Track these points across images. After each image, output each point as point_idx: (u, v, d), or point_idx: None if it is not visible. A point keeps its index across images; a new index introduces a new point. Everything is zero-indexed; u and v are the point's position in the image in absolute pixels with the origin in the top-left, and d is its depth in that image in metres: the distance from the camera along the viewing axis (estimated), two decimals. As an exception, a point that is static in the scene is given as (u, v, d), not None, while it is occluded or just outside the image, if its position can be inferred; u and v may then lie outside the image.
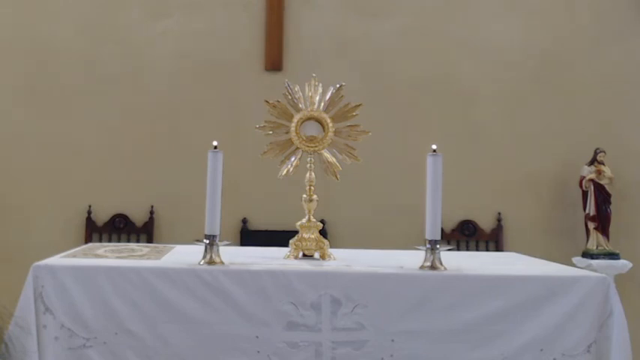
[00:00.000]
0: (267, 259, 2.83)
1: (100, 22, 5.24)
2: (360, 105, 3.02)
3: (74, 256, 2.87)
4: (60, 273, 2.57)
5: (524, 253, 3.48)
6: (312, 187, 2.96)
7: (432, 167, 2.71)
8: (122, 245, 3.42)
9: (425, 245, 2.71)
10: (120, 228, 5.15)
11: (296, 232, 2.96)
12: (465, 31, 5.28)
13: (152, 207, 5.16)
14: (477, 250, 5.18)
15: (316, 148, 2.96)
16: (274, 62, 5.20)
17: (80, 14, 5.24)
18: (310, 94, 3.00)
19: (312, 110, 2.98)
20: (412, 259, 2.78)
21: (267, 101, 3.00)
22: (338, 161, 2.98)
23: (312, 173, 2.96)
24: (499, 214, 5.20)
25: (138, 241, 5.01)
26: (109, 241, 5.04)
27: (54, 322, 2.53)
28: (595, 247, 4.94)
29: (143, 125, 5.18)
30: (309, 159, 2.96)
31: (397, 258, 2.97)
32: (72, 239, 4.85)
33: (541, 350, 2.56)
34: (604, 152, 4.99)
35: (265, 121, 2.98)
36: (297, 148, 2.97)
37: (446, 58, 5.26)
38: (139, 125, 5.18)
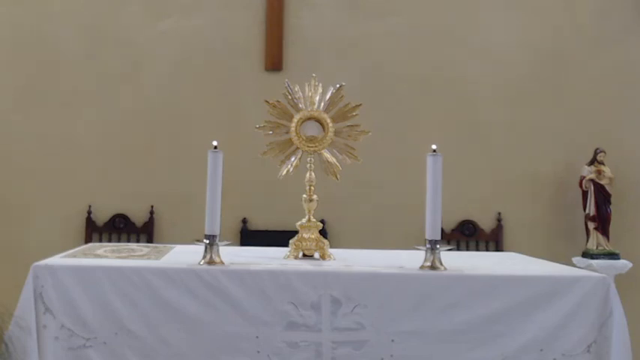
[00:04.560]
0: (267, 259, 2.83)
1: (100, 22, 5.24)
2: (360, 105, 3.02)
3: (74, 256, 2.87)
4: (60, 273, 2.57)
5: (524, 253, 3.48)
6: (312, 187, 2.96)
7: (432, 167, 2.71)
8: (122, 245, 3.42)
9: (425, 245, 2.71)
10: (120, 228, 5.15)
11: (296, 232, 2.96)
12: (465, 30, 5.29)
13: (152, 207, 5.16)
14: (477, 250, 5.18)
15: (316, 148, 2.96)
16: (274, 62, 5.20)
17: (80, 14, 5.24)
18: (310, 94, 3.00)
19: (312, 110, 2.98)
20: (412, 259, 2.78)
21: (267, 101, 3.00)
22: (338, 161, 2.98)
23: (312, 173, 2.96)
24: (499, 214, 5.21)
25: (138, 241, 5.01)
26: (109, 241, 5.04)
27: (54, 322, 2.53)
28: (595, 247, 4.94)
29: (143, 125, 5.18)
30: (309, 159, 2.96)
31: (397, 258, 2.97)
32: (72, 239, 4.85)
33: (541, 350, 2.56)
34: (604, 152, 4.99)
35: (265, 121, 2.98)
36: (297, 148, 2.96)
37: (446, 58, 5.26)
38: (139, 125, 5.18)
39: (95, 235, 5.13)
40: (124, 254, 2.93)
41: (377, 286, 2.60)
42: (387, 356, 2.56)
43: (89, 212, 5.14)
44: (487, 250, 5.17)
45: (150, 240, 5.04)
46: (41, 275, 2.55)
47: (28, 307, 2.51)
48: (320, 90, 3.00)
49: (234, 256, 2.82)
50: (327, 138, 2.97)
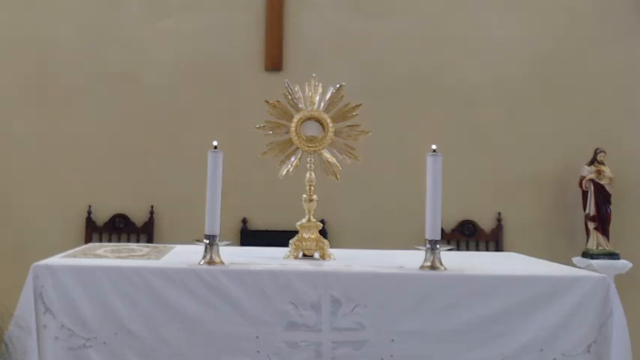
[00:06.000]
0: (267, 259, 2.83)
1: (100, 22, 5.24)
2: (360, 105, 3.02)
3: (74, 256, 2.87)
4: (60, 273, 2.57)
5: (524, 253, 3.48)
6: (312, 187, 2.96)
7: (432, 167, 2.71)
8: (122, 245, 3.42)
9: (425, 245, 2.71)
10: (120, 228, 5.15)
11: (296, 232, 2.96)
12: (464, 31, 5.28)
13: (152, 207, 5.16)
14: (477, 250, 5.18)
15: (316, 148, 2.96)
16: (274, 62, 5.20)
17: (80, 14, 5.24)
18: (310, 94, 3.00)
19: (312, 110, 2.98)
20: (412, 259, 2.78)
21: (267, 101, 3.00)
22: (338, 161, 2.98)
23: (312, 173, 2.96)
24: (499, 214, 5.20)
25: (138, 241, 5.01)
26: (109, 241, 5.04)
27: (54, 322, 2.52)
28: (595, 247, 4.94)
29: (143, 125, 5.18)
30: (309, 159, 2.96)
31: (397, 258, 2.97)
32: (72, 239, 4.85)
33: (541, 350, 2.56)
34: (604, 152, 4.99)
35: (265, 121, 2.98)
36: (297, 148, 2.96)
37: (446, 58, 5.26)
38: (139, 125, 5.18)
39: (95, 235, 5.13)
40: (124, 254, 2.93)
41: (377, 286, 2.60)
42: (387, 356, 2.56)
43: (89, 212, 5.14)
44: (487, 250, 5.17)
45: (150, 240, 5.04)
46: (41, 275, 2.55)
47: (28, 307, 2.50)
48: (320, 90, 3.00)
49: (234, 256, 2.82)
50: (327, 138, 2.97)
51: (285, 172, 2.94)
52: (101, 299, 2.55)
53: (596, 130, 5.18)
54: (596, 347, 2.56)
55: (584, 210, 5.02)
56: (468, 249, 5.15)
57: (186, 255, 2.88)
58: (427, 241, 2.70)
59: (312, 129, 2.97)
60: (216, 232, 2.67)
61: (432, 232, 2.70)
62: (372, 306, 2.57)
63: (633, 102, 5.27)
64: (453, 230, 5.18)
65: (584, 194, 5.02)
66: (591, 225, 4.98)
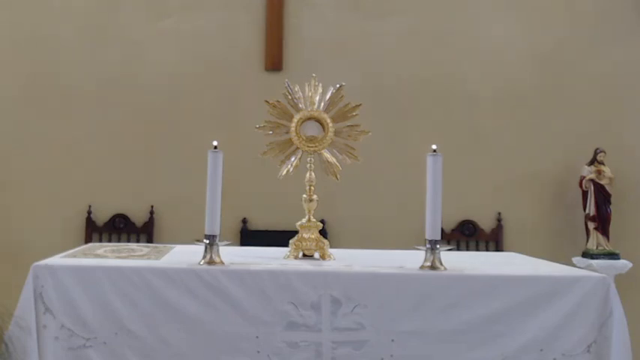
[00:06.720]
0: (267, 259, 2.83)
1: (100, 22, 5.24)
2: (360, 105, 3.02)
3: (74, 256, 2.87)
4: (60, 273, 2.57)
5: (524, 253, 3.48)
6: (312, 187, 2.96)
7: (432, 167, 2.71)
8: (122, 245, 3.42)
9: (425, 245, 2.71)
10: (120, 228, 5.15)
11: (296, 232, 2.96)
12: (465, 31, 5.29)
13: (152, 207, 5.16)
14: (477, 250, 5.18)
15: (316, 148, 2.96)
16: (274, 62, 5.20)
17: (80, 14, 5.24)
18: (310, 94, 3.00)
19: (312, 110, 2.98)
20: (412, 259, 2.78)
21: (267, 101, 3.00)
22: (338, 161, 2.98)
23: (312, 173, 2.96)
24: (499, 214, 5.21)
25: (138, 241, 5.01)
26: (109, 241, 5.04)
27: (54, 322, 2.53)
28: (595, 247, 4.94)
29: (143, 125, 5.18)
30: (309, 159, 2.96)
31: (397, 258, 2.97)
32: (72, 239, 4.85)
33: (541, 350, 2.56)
34: (604, 152, 5.00)
35: (265, 121, 2.98)
36: (297, 148, 2.97)
37: (446, 58, 5.26)
38: (139, 125, 5.18)
39: (95, 235, 5.13)
40: (124, 254, 2.93)
41: (377, 286, 2.60)
42: (387, 356, 2.56)
43: (89, 212, 5.14)
44: (487, 250, 5.17)
45: (150, 240, 5.04)
46: (41, 275, 2.55)
47: (28, 307, 2.51)
48: (320, 90, 3.00)
49: (234, 256, 2.82)
50: (327, 138, 2.97)
51: (285, 172, 2.94)
52: (101, 299, 2.55)
53: (596, 130, 5.18)
54: (596, 347, 2.56)
55: (584, 210, 5.02)
56: (468, 249, 5.15)
57: (186, 255, 2.88)
58: (427, 241, 2.70)
59: (312, 129, 2.97)
60: (216, 232, 2.67)
61: (432, 232, 2.70)
62: (372, 306, 2.57)
63: (633, 102, 5.27)
64: (453, 230, 5.18)
65: (584, 194, 5.03)
66: (591, 225, 4.98)
